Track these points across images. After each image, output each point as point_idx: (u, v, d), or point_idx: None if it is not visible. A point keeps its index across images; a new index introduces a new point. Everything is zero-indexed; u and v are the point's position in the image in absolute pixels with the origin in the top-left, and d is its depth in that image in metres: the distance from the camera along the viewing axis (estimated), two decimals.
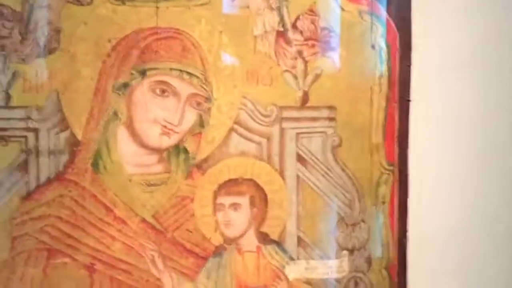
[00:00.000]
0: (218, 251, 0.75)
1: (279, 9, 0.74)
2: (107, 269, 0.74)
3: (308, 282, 0.76)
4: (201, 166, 0.75)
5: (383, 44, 0.75)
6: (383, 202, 0.77)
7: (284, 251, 0.75)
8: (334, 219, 0.76)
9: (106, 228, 0.74)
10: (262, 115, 0.75)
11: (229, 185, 0.75)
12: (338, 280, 0.76)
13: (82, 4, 0.73)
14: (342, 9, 0.75)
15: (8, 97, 0.73)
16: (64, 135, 0.74)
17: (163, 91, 0.73)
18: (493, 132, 0.80)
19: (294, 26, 0.74)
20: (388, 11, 0.75)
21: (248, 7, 0.74)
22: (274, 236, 0.75)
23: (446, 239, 0.78)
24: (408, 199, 0.77)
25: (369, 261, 0.77)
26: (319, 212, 0.76)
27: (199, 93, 0.74)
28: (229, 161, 0.75)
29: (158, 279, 0.74)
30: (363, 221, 0.76)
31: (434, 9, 0.77)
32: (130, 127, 0.74)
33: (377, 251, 0.77)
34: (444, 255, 0.79)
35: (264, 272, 0.75)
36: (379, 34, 0.75)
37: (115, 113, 0.74)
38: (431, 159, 0.78)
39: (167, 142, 0.74)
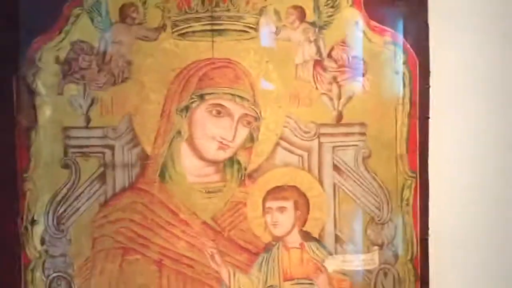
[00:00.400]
0: (267, 248, 0.87)
1: (316, 41, 0.87)
2: (173, 264, 0.87)
3: (344, 273, 0.88)
4: (252, 176, 0.88)
5: (405, 70, 0.87)
6: (407, 204, 0.89)
7: (324, 247, 0.88)
8: (365, 219, 0.88)
9: (172, 229, 0.87)
10: (303, 131, 0.87)
11: (276, 192, 0.87)
12: (369, 272, 0.89)
13: (149, 40, 0.87)
14: (369, 41, 0.87)
15: (88, 119, 0.87)
16: (135, 151, 0.87)
17: (219, 112, 0.86)
18: (506, 143, 0.92)
19: (329, 55, 0.87)
20: (408, 40, 0.88)
21: (289, 40, 0.87)
22: (315, 234, 0.88)
23: (463, 235, 0.90)
24: (428, 201, 0.89)
25: (396, 255, 0.89)
26: (353, 213, 0.88)
27: (249, 113, 0.87)
28: (276, 171, 0.87)
29: (217, 272, 0.87)
30: (390, 220, 0.88)
31: (450, 35, 0.89)
32: (191, 143, 0.87)
33: (403, 247, 0.89)
34: (461, 250, 0.91)
35: (307, 265, 0.87)
36: (401, 61, 0.87)
37: (179, 132, 0.87)
38: (448, 167, 0.90)
39: (223, 155, 0.87)
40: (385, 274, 0.89)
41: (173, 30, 0.86)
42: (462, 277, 0.93)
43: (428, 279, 0.89)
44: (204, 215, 0.87)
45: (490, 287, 0.93)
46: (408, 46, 0.87)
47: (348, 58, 0.87)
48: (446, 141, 0.89)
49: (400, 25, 0.87)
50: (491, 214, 0.92)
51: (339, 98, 0.87)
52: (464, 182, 0.91)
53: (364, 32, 0.87)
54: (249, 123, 0.87)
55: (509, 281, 0.93)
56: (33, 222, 0.86)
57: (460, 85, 0.90)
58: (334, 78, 0.87)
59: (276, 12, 0.86)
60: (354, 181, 0.88)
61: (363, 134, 0.88)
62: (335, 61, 0.87)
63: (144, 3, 0.85)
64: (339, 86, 0.87)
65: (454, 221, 0.90)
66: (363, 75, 0.87)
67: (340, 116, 0.87)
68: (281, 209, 0.87)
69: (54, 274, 0.86)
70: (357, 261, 0.88)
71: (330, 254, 0.88)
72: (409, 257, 0.89)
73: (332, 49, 0.87)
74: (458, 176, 0.90)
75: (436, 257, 0.89)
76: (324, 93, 0.87)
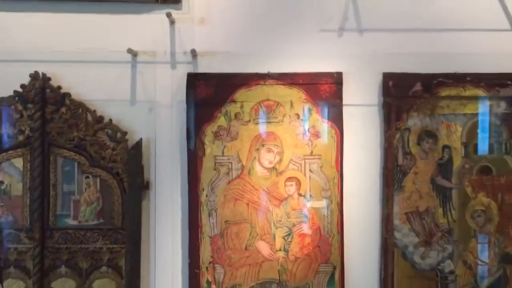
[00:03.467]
0: (286, 199, 2.46)
1: (303, 126, 2.46)
2: (252, 205, 2.44)
3: (314, 208, 2.46)
4: (281, 173, 2.44)
5: (334, 136, 2.45)
6: (334, 185, 2.47)
7: (306, 198, 2.46)
8: (323, 188, 2.47)
9: (252, 192, 2.44)
10: (299, 158, 2.46)
11: (289, 179, 2.44)
12: (320, 208, 2.47)
13: (245, 125, 2.45)
14: (320, 126, 2.47)
15: (223, 151, 2.45)
16: (240, 164, 2.45)
17: (269, 150, 2.45)
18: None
19: (308, 131, 2.46)
20: (337, 124, 2.46)
21: (294, 124, 2.46)
22: (303, 193, 2.47)
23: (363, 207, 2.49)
24: (343, 187, 2.48)
25: (331, 203, 2.48)
26: (316, 187, 2.47)
27: (279, 151, 2.44)
28: (289, 171, 2.45)
29: (267, 207, 2.45)
30: (331, 191, 2.47)
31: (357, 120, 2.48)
32: (259, 161, 2.44)
33: (334, 201, 2.47)
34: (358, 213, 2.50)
35: (300, 204, 2.45)
36: (333, 133, 2.46)
37: (254, 157, 2.45)
38: (349, 171, 2.49)
39: (270, 165, 2.45)
40: (328, 208, 2.46)
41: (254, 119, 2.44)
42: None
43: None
44: (264, 187, 2.45)
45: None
46: (336, 127, 2.46)
47: (315, 133, 2.46)
48: (350, 156, 2.48)
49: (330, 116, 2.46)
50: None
51: (311, 147, 2.46)
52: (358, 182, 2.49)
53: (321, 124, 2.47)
54: (279, 154, 2.45)
55: None
56: (202, 190, 2.43)
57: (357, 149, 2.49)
58: (309, 139, 2.46)
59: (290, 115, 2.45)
60: (317, 176, 2.46)
61: (320, 158, 2.46)
62: (310, 134, 2.46)
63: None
64: (312, 142, 2.46)
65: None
66: (319, 137, 2.46)
67: (311, 152, 2.46)
68: (291, 185, 2.45)
69: (211, 208, 2.43)
70: (318, 204, 2.45)
71: (308, 201, 2.46)
72: (336, 204, 2.46)
73: (309, 128, 2.46)
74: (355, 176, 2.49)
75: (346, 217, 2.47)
76: (306, 144, 2.46)
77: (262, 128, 2.45)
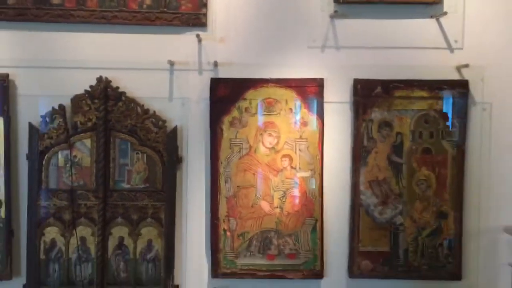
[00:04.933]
0: (281, 170, 3.38)
1: (295, 116, 3.36)
2: (258, 173, 3.35)
3: (302, 176, 3.38)
4: (278, 151, 3.35)
5: (319, 126, 3.36)
6: (317, 160, 3.38)
7: (295, 169, 3.37)
8: (308, 165, 3.38)
9: (257, 165, 3.34)
10: (291, 140, 3.36)
11: (284, 156, 3.36)
12: (307, 177, 3.39)
13: (252, 116, 3.35)
14: (307, 117, 3.37)
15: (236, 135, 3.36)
16: (248, 144, 3.35)
17: (270, 135, 3.35)
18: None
19: (299, 120, 3.37)
20: (314, 112, 3.36)
21: (288, 116, 3.36)
22: (294, 166, 3.38)
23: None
24: (323, 163, 3.39)
25: (316, 178, 3.39)
26: (304, 163, 3.38)
27: (277, 135, 3.35)
28: (284, 150, 3.36)
29: (267, 175, 3.36)
30: (315, 166, 3.38)
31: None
32: (262, 142, 3.35)
33: (318, 176, 3.39)
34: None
35: (292, 173, 3.37)
36: (316, 124, 3.36)
37: (260, 140, 3.35)
38: (329, 158, 3.40)
39: (270, 146, 3.36)
40: (312, 177, 3.37)
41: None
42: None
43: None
44: (265, 162, 3.35)
45: None
46: (319, 118, 3.37)
47: (304, 122, 3.36)
48: (329, 139, 3.38)
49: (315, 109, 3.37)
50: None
51: (300, 132, 3.36)
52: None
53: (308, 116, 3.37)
54: (277, 137, 3.36)
55: None
56: (221, 163, 3.34)
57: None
58: (299, 127, 3.36)
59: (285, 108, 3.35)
60: (304, 154, 3.36)
61: (307, 141, 3.37)
62: (300, 123, 3.36)
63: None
64: (301, 129, 3.36)
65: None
66: (306, 125, 3.37)
67: (300, 136, 3.37)
68: (285, 160, 3.35)
69: (227, 177, 3.34)
70: (305, 174, 3.36)
71: (297, 172, 3.36)
72: (318, 175, 3.37)
73: (299, 118, 3.36)
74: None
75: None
76: (296, 130, 3.36)
77: (265, 119, 3.35)
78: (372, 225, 3.30)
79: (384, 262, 3.35)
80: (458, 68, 3.26)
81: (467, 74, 3.24)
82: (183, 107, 3.29)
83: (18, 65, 3.26)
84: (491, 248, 3.35)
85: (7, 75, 3.24)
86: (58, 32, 3.26)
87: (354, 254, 3.34)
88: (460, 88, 3.27)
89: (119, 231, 3.28)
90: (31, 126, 3.24)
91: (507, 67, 3.29)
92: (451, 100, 3.31)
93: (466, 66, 3.21)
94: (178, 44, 3.24)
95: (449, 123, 3.31)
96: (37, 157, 3.23)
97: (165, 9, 3.26)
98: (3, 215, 3.24)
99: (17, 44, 3.27)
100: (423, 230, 3.32)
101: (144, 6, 3.26)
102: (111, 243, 3.31)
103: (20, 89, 3.27)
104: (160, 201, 3.25)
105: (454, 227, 3.30)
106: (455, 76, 3.26)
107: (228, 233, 3.30)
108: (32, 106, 3.23)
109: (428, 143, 3.29)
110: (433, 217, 3.34)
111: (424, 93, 3.31)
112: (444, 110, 3.33)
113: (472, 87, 3.25)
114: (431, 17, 3.31)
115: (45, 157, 3.26)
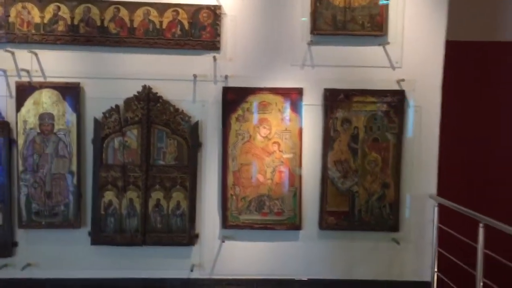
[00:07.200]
0: (271, 153, 4.75)
1: (283, 114, 4.72)
2: (257, 155, 4.72)
3: (288, 158, 4.75)
4: (270, 138, 4.71)
5: (298, 121, 4.72)
6: (296, 148, 4.75)
7: (284, 152, 4.74)
8: (295, 149, 4.75)
9: (255, 149, 4.70)
10: (280, 131, 4.72)
11: (275, 142, 4.72)
12: (293, 158, 4.75)
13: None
14: (292, 115, 4.73)
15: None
16: (248, 134, 4.71)
17: (264, 127, 4.71)
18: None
19: (286, 117, 4.73)
20: (296, 112, 4.71)
21: (278, 114, 4.72)
22: (281, 150, 4.75)
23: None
24: (302, 153, 4.75)
25: (300, 162, 4.75)
26: (290, 147, 4.75)
27: (269, 128, 4.72)
28: (275, 137, 4.73)
29: (262, 156, 4.72)
30: (300, 152, 4.75)
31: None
32: (259, 132, 4.71)
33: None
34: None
35: (280, 154, 4.74)
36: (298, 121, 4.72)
37: (257, 131, 4.71)
38: (306, 145, 4.77)
39: (265, 135, 4.72)
40: (294, 158, 4.73)
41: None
42: None
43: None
44: (261, 147, 4.71)
45: None
46: (299, 116, 4.73)
47: (289, 119, 4.72)
48: (306, 131, 4.74)
49: (297, 110, 4.73)
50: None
51: (286, 126, 4.72)
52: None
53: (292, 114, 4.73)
54: (269, 130, 4.72)
55: None
56: (229, 147, 4.69)
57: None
58: (285, 122, 4.72)
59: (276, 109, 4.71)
60: (289, 141, 4.72)
61: (291, 132, 4.72)
62: (286, 119, 4.72)
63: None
64: (286, 124, 4.72)
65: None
66: (291, 121, 4.73)
67: (286, 129, 4.72)
68: (275, 146, 4.71)
69: (233, 157, 4.69)
70: (289, 155, 4.72)
71: (284, 154, 4.72)
72: (298, 156, 4.73)
73: (286, 116, 4.72)
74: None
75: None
76: (283, 125, 4.72)
77: (260, 116, 4.71)
78: (336, 192, 4.67)
79: (345, 218, 4.73)
80: (398, 81, 4.62)
81: (404, 86, 4.60)
82: (203, 107, 4.66)
83: (87, 76, 4.62)
84: (420, 209, 4.74)
85: (78, 83, 4.60)
86: (115, 53, 4.61)
87: (323, 213, 4.73)
88: (399, 95, 4.65)
89: (156, 195, 4.62)
90: (95, 120, 4.59)
91: (431, 81, 4.67)
92: (392, 104, 4.69)
93: (403, 80, 4.58)
94: (200, 62, 4.58)
95: (391, 120, 4.69)
96: (99, 142, 4.58)
97: (191, 38, 4.62)
98: (75, 182, 4.60)
99: (86, 62, 4.62)
100: (372, 196, 4.67)
101: (176, 35, 4.61)
102: (151, 203, 4.67)
103: (88, 94, 4.63)
104: (186, 173, 4.61)
105: (394, 194, 4.66)
106: (395, 87, 4.62)
107: (234, 197, 4.67)
108: (96, 105, 4.55)
109: (376, 134, 4.66)
110: (379, 187, 4.72)
111: (373, 99, 4.69)
112: (388, 111, 4.70)
113: (407, 94, 4.62)
114: (379, 45, 4.68)
115: (105, 141, 4.62)
